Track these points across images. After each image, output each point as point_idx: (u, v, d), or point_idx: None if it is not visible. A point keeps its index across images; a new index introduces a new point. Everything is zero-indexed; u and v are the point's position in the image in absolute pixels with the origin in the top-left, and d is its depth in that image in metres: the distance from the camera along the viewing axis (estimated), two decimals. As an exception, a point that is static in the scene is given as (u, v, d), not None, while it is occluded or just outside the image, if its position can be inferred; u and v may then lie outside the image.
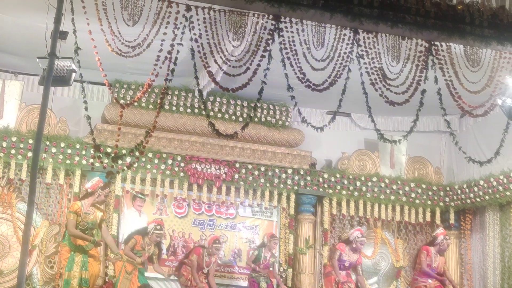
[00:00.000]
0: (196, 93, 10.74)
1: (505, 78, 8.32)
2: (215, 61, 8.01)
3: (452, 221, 12.26)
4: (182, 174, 11.21)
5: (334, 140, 12.56)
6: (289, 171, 11.80)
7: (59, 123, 10.84)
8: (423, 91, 7.97)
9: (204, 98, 9.87)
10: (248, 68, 7.65)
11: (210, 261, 10.47)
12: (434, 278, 11.21)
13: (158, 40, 7.27)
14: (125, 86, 11.38)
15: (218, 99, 11.77)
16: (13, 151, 10.33)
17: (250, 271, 10.93)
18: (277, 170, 11.75)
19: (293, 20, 7.47)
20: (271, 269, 10.99)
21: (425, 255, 10.82)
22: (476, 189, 11.66)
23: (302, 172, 11.87)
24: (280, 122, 12.13)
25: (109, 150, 10.25)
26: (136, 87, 11.36)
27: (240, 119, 11.75)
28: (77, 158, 10.67)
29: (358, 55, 7.82)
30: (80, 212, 9.49)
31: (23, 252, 5.95)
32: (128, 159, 9.90)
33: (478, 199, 11.66)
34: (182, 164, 11.21)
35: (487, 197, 11.44)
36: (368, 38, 7.78)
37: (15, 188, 10.52)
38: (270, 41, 7.49)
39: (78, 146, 10.71)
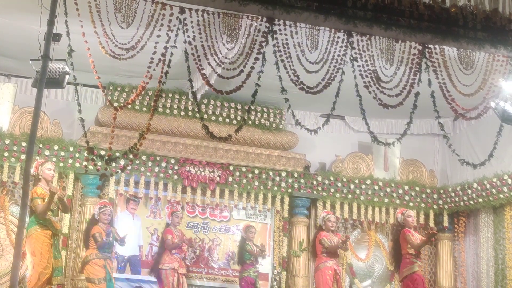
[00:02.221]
0: (190, 96, 10.68)
1: (498, 80, 8.33)
2: (209, 64, 8.00)
3: (445, 223, 12.28)
4: (176, 177, 11.20)
5: (328, 143, 12.58)
6: (283, 173, 11.80)
7: (53, 126, 10.82)
8: (417, 94, 7.97)
9: (198, 100, 9.85)
10: (242, 71, 7.63)
11: (181, 235, 10.40)
12: (424, 243, 10.50)
13: (152, 43, 7.25)
14: (118, 89, 11.37)
15: (212, 102, 11.78)
16: (6, 154, 10.30)
17: (242, 271, 10.56)
18: (271, 173, 11.75)
19: (287, 22, 7.46)
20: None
21: (410, 235, 10.20)
22: (469, 191, 11.68)
23: (296, 175, 11.87)
24: (274, 125, 12.14)
25: (102, 152, 10.32)
26: (129, 90, 11.35)
27: (234, 121, 11.75)
28: (70, 161, 10.65)
29: (351, 58, 7.81)
30: (45, 194, 8.56)
31: (16, 255, 5.92)
32: (122, 162, 9.88)
33: (471, 202, 11.67)
34: (176, 167, 11.20)
35: (480, 200, 11.46)
36: (362, 40, 7.77)
37: (8, 191, 10.50)
38: (264, 44, 7.47)
39: (71, 148, 10.70)
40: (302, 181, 11.90)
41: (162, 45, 7.25)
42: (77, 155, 10.69)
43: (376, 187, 12.16)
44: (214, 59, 7.82)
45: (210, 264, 11.52)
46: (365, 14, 7.26)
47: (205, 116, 11.45)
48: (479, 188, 11.46)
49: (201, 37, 7.48)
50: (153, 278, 10.76)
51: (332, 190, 11.97)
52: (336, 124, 13.09)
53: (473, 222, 12.19)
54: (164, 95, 11.45)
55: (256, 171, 11.67)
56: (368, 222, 12.21)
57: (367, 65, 7.91)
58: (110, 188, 10.95)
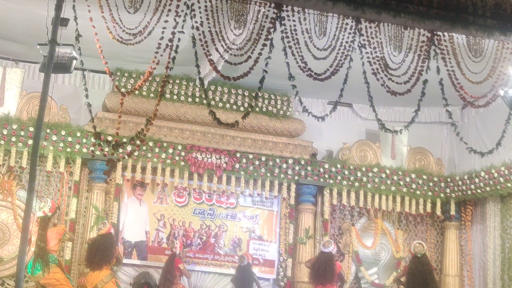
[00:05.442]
0: (197, 82, 10.68)
1: (507, 68, 8.28)
2: (217, 50, 7.97)
3: (452, 212, 12.26)
4: (182, 163, 11.20)
5: (335, 130, 12.56)
6: (290, 161, 11.78)
7: (60, 111, 10.83)
8: (425, 81, 7.93)
9: (205, 87, 9.84)
10: (249, 57, 7.60)
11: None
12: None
13: (159, 28, 7.22)
14: (126, 74, 11.36)
15: (219, 88, 11.75)
16: (13, 139, 10.32)
17: None
18: (277, 160, 11.73)
19: (295, 8, 7.42)
20: None
21: None
22: (477, 180, 11.63)
23: (303, 162, 11.86)
24: (281, 112, 12.11)
25: (109, 138, 10.24)
26: (137, 76, 11.34)
27: (241, 108, 11.72)
28: (77, 146, 10.67)
29: (360, 45, 7.77)
30: None
31: (22, 239, 5.94)
32: (129, 148, 9.88)
33: (479, 191, 11.64)
34: (183, 153, 11.20)
35: (488, 189, 11.42)
36: (370, 27, 7.73)
37: (16, 175, 10.53)
38: (271, 30, 7.44)
39: (78, 134, 10.71)
40: (309, 168, 11.88)
41: (169, 30, 7.21)
42: (84, 140, 10.70)
43: (383, 175, 12.14)
44: (222, 45, 7.80)
45: (216, 251, 11.55)
46: (373, 1, 7.21)
47: (212, 102, 11.43)
48: (486, 176, 11.42)
49: (208, 23, 7.45)
50: (158, 264, 10.84)
51: (339, 177, 11.95)
52: (344, 111, 13.06)
53: (480, 211, 12.15)
54: (171, 81, 11.42)
55: (263, 158, 11.66)
56: (375, 210, 12.20)
57: (375, 52, 7.88)
58: (117, 173, 10.96)
